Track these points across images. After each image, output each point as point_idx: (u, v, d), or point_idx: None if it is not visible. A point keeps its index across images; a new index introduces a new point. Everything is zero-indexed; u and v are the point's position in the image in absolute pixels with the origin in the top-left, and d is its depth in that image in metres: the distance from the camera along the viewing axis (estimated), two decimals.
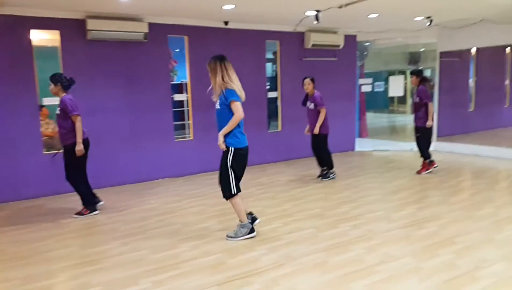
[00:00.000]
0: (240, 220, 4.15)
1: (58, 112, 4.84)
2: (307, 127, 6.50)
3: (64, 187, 5.89)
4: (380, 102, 13.57)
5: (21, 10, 5.58)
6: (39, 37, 6.63)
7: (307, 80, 6.29)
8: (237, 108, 3.85)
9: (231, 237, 4.13)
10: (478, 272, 3.29)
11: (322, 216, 4.80)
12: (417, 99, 6.50)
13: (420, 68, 6.61)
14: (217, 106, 3.99)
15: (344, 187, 6.08)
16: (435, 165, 6.68)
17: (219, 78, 3.90)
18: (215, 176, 6.91)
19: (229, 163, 3.97)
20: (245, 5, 5.80)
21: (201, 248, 3.97)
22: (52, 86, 4.79)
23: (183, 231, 4.45)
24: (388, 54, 11.72)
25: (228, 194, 4.04)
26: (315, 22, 6.38)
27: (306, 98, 6.42)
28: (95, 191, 5.21)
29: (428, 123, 6.40)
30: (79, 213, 4.99)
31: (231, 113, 3.87)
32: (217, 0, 5.50)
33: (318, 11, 6.20)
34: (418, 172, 6.65)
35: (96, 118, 6.19)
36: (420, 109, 6.47)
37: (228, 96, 3.85)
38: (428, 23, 7.43)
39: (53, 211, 5.28)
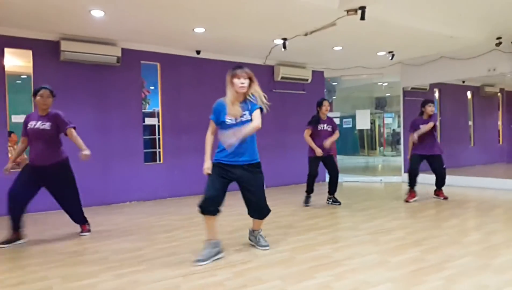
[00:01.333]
0: (259, 229, 3.97)
1: (47, 127, 4.30)
2: (319, 149, 5.92)
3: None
4: (351, 147, 14.03)
5: None
6: (12, 63, 6.67)
7: (327, 102, 6.10)
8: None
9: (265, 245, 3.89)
10: (445, 265, 3.30)
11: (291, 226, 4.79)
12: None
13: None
14: (245, 118, 3.59)
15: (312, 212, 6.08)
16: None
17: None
18: (184, 200, 6.95)
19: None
20: (215, 29, 6.02)
21: (168, 250, 3.88)
22: (50, 99, 4.36)
23: (149, 238, 4.35)
24: (356, 98, 12.22)
25: (268, 210, 3.80)
26: (283, 49, 6.65)
27: (318, 120, 6.04)
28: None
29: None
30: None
31: None
32: (189, 22, 5.71)
33: (285, 39, 6.49)
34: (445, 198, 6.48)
35: (65, 138, 6.11)
36: (428, 137, 6.32)
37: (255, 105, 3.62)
38: (391, 58, 7.84)
39: None
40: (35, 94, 4.34)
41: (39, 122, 4.33)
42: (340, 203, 6.20)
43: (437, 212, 5.56)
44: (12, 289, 2.94)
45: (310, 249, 3.82)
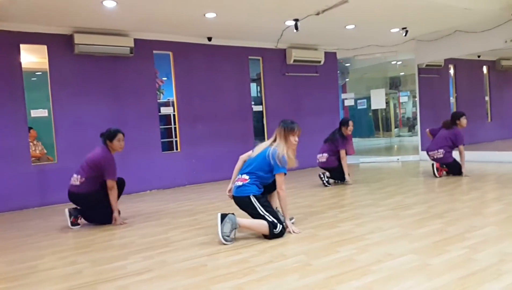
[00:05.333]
0: None
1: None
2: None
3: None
4: (366, 129, 13.95)
5: (10, 25, 5.71)
6: (26, 60, 6.76)
7: (352, 123, 6.20)
8: None
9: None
10: (467, 235, 3.31)
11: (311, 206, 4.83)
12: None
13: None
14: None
15: (334, 190, 6.11)
16: None
17: None
18: (203, 187, 7.06)
19: None
20: (226, 13, 6.01)
21: (192, 232, 3.96)
22: None
23: (173, 222, 4.44)
24: (369, 79, 12.09)
25: None
26: (295, 31, 6.61)
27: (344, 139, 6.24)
28: None
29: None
30: None
31: None
32: (200, 8, 5.70)
33: (296, 20, 6.45)
34: None
35: (82, 131, 6.24)
36: None
37: None
38: (404, 34, 7.74)
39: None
40: (112, 137, 4.56)
41: None
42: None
43: (456, 186, 5.55)
44: (46, 273, 3.04)
45: (332, 226, 3.86)
